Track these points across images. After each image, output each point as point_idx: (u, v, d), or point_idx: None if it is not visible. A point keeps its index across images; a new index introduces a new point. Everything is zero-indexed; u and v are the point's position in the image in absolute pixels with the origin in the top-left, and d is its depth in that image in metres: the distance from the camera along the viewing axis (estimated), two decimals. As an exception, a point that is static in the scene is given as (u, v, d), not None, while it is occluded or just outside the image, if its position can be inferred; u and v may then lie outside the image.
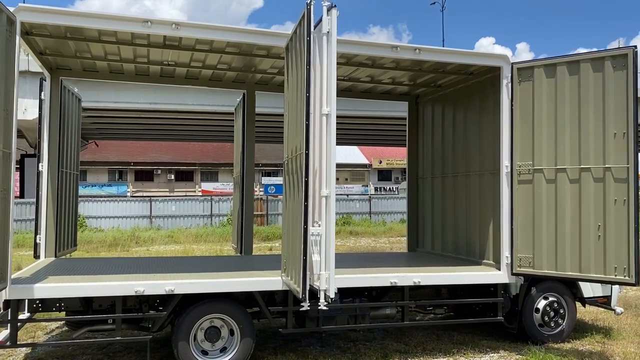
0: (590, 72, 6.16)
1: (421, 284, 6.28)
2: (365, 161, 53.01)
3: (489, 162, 7.29)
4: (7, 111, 5.04)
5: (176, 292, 5.54)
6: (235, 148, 9.64)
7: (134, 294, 5.43)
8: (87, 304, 5.67)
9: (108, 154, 43.63)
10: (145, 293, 5.46)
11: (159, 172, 47.77)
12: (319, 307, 4.99)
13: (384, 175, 54.74)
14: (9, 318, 5.26)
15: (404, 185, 44.94)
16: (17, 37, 5.18)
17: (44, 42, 6.54)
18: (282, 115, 18.66)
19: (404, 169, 54.83)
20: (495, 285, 6.70)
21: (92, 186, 43.57)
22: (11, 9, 5.14)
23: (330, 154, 5.01)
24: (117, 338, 5.58)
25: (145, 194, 41.34)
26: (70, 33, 6.20)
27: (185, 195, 39.35)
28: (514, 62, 6.65)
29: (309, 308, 5.00)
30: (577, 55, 6.32)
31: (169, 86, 19.08)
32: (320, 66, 5.17)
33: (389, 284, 6.16)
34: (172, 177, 48.03)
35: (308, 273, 4.94)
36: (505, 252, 6.59)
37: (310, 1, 4.85)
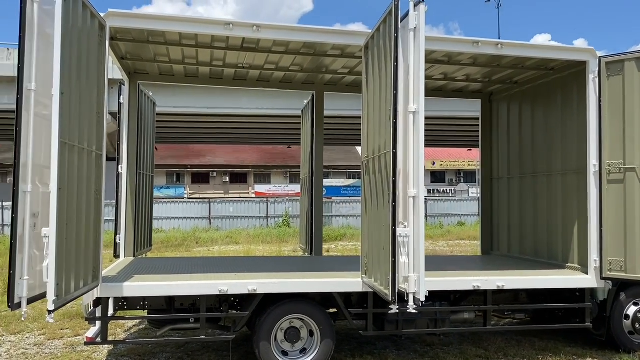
0: (689, 64, 5.78)
1: (505, 288, 6.06)
2: (418, 163, 52.23)
3: (572, 161, 6.98)
4: (99, 114, 5.20)
5: (258, 291, 5.55)
6: (302, 150, 9.65)
7: (217, 293, 5.47)
8: (169, 302, 5.77)
9: (166, 157, 44.90)
10: (229, 292, 5.50)
11: (215, 174, 48.82)
12: (408, 310, 4.87)
13: (437, 177, 53.89)
14: (100, 315, 5.41)
15: (461, 187, 44.03)
16: (107, 42, 5.33)
17: (125, 47, 6.73)
18: (345, 117, 18.58)
19: (459, 170, 53.90)
20: (582, 290, 6.40)
21: (151, 188, 44.90)
22: (102, 14, 5.30)
23: (418, 152, 4.90)
24: (202, 337, 5.64)
25: (201, 195, 42.32)
26: (152, 37, 6.35)
27: (240, 197, 39.98)
28: (601, 56, 6.35)
29: (398, 311, 4.89)
30: (673, 47, 5.95)
31: (225, 90, 19.48)
32: (405, 63, 5.06)
33: (471, 288, 5.97)
34: (227, 179, 48.98)
35: (397, 275, 4.83)
36: (594, 256, 6.27)
37: (397, -3, 4.75)
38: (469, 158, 51.52)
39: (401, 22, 4.96)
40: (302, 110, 9.64)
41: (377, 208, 5.36)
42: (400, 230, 4.93)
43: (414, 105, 4.96)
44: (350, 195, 44.83)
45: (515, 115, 8.29)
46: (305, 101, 9.28)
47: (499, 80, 8.10)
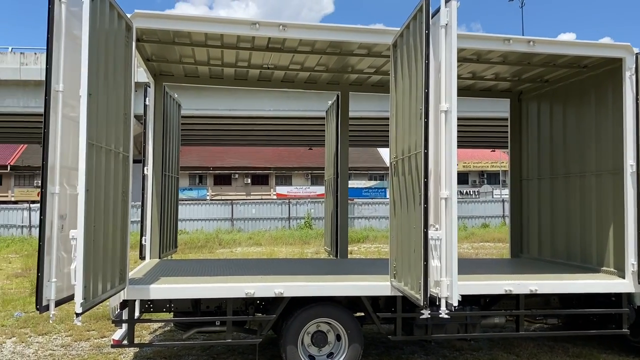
0: None
1: (538, 292, 5.86)
2: (440, 164, 51.74)
3: (607, 161, 6.74)
4: (126, 115, 5.18)
5: (285, 294, 5.47)
6: (327, 151, 9.55)
7: (244, 296, 5.40)
8: (195, 305, 5.72)
9: (189, 160, 45.27)
10: (256, 295, 5.42)
11: (237, 176, 49.06)
12: (440, 315, 4.73)
13: (460, 178, 53.13)
14: (127, 318, 5.38)
15: (485, 188, 43.43)
16: (134, 43, 5.30)
17: (151, 48, 6.71)
18: (366, 118, 18.36)
19: (482, 171, 53.21)
20: (618, 295, 6.16)
21: (174, 190, 45.31)
22: (128, 15, 5.27)
23: (451, 152, 4.75)
24: (228, 340, 5.57)
25: (223, 197, 42.53)
26: (178, 38, 6.32)
27: (262, 199, 40.08)
28: (638, 52, 6.12)
29: (429, 316, 4.75)
30: None
31: (248, 91, 19.50)
32: (435, 61, 4.93)
33: (503, 292, 5.80)
34: (249, 181, 49.18)
35: (429, 279, 4.69)
36: (631, 259, 6.03)
37: (428, -7, 4.62)
38: (492, 159, 50.86)
39: (432, 18, 4.84)
40: (327, 111, 9.54)
41: (407, 210, 5.23)
42: (431, 233, 4.79)
43: (446, 104, 4.82)
44: (373, 196, 44.64)
45: (545, 115, 8.07)
46: (330, 102, 9.18)
47: (529, 78, 7.89)
